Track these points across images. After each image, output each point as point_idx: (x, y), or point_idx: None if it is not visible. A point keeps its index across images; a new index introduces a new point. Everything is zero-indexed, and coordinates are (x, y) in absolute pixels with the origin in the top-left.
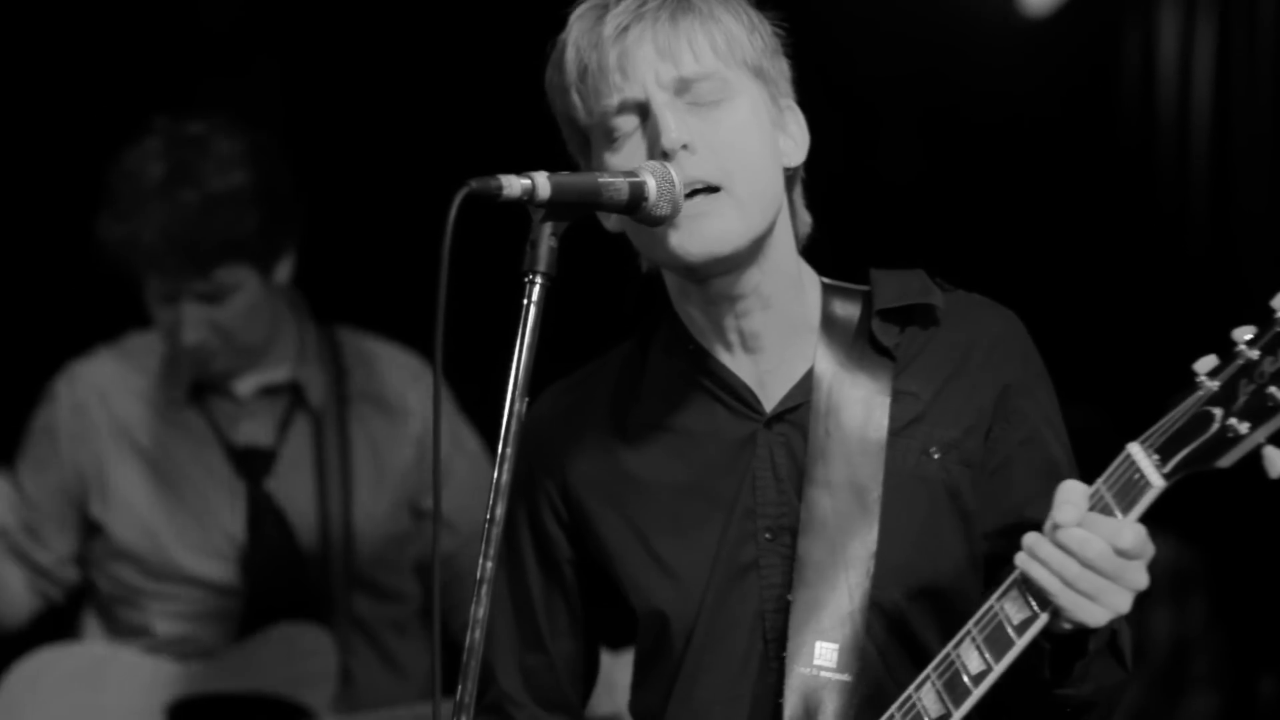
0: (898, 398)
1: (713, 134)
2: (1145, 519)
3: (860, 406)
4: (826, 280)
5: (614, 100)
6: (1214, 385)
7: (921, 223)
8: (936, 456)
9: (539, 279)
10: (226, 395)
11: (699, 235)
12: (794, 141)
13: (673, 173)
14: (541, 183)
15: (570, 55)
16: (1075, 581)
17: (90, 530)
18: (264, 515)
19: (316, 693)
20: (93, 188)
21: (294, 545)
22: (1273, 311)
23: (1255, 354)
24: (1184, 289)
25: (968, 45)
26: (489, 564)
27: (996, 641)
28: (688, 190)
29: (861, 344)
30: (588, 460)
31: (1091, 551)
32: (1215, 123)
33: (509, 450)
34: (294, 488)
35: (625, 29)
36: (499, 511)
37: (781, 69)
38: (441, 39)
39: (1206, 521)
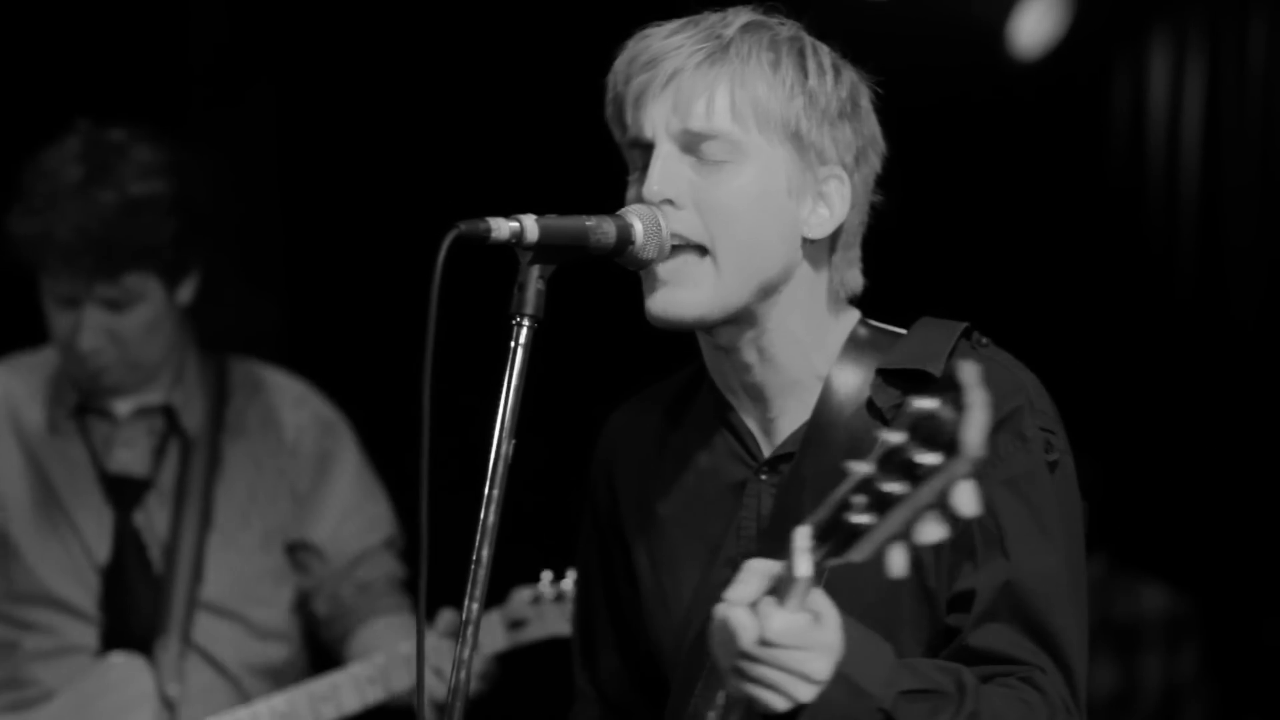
0: None
1: (707, 194)
2: (1142, 567)
3: (845, 460)
4: (866, 323)
5: (629, 134)
6: (864, 469)
7: (908, 262)
8: None
9: (526, 321)
10: (105, 416)
11: (667, 299)
12: (826, 213)
13: (660, 219)
14: (529, 225)
15: (612, 74)
16: (740, 666)
17: None
18: (128, 547)
19: (134, 718)
20: None
21: (151, 578)
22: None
23: (901, 438)
24: (1173, 331)
25: (958, 86)
26: (475, 605)
27: (729, 713)
28: (673, 242)
29: (860, 401)
30: (629, 481)
31: (745, 639)
32: (1205, 165)
33: (495, 493)
34: (159, 518)
35: (655, 64)
36: (485, 554)
37: (840, 136)
38: (435, 76)
39: (1200, 570)
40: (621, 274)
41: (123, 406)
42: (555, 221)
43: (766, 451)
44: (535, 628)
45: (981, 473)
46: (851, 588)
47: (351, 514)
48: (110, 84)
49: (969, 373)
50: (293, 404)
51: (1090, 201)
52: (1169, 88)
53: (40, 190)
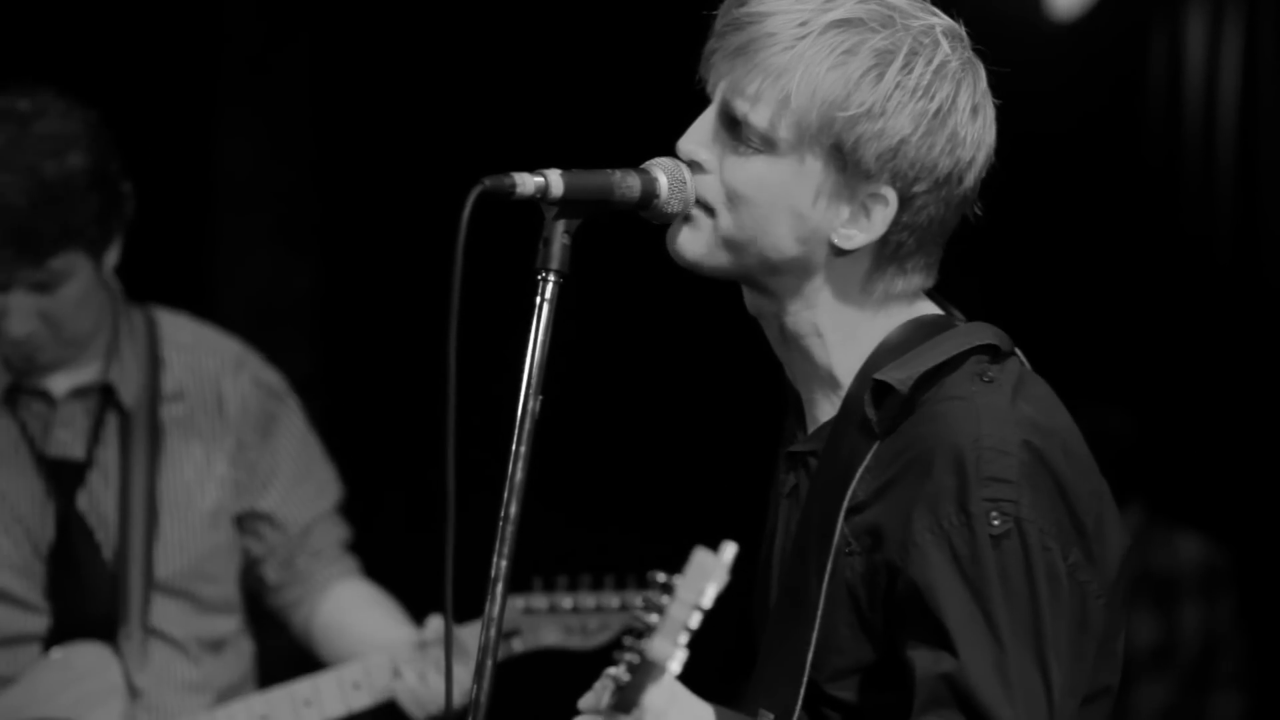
0: (863, 477)
1: (730, 170)
2: (1178, 518)
3: (840, 475)
4: (918, 320)
5: (700, 75)
6: (640, 621)
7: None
8: (847, 554)
9: (552, 276)
10: (40, 396)
11: (676, 232)
12: (863, 226)
13: (685, 172)
14: (555, 180)
15: (721, 8)
16: None
17: None
18: (73, 532)
19: (103, 712)
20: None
21: (101, 563)
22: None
23: (654, 609)
24: (1209, 298)
25: (991, 51)
26: (504, 562)
27: None
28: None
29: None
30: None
31: None
32: (1241, 131)
33: (523, 449)
34: (104, 499)
35: (739, 27)
36: (514, 510)
37: (903, 157)
38: (465, 33)
39: (1237, 521)
40: (648, 230)
41: (59, 385)
42: (580, 176)
43: (810, 428)
44: (527, 638)
45: (921, 541)
46: (829, 605)
47: (302, 480)
48: (143, 48)
49: (697, 560)
50: (232, 368)
51: (1126, 164)
52: (1206, 51)
53: None
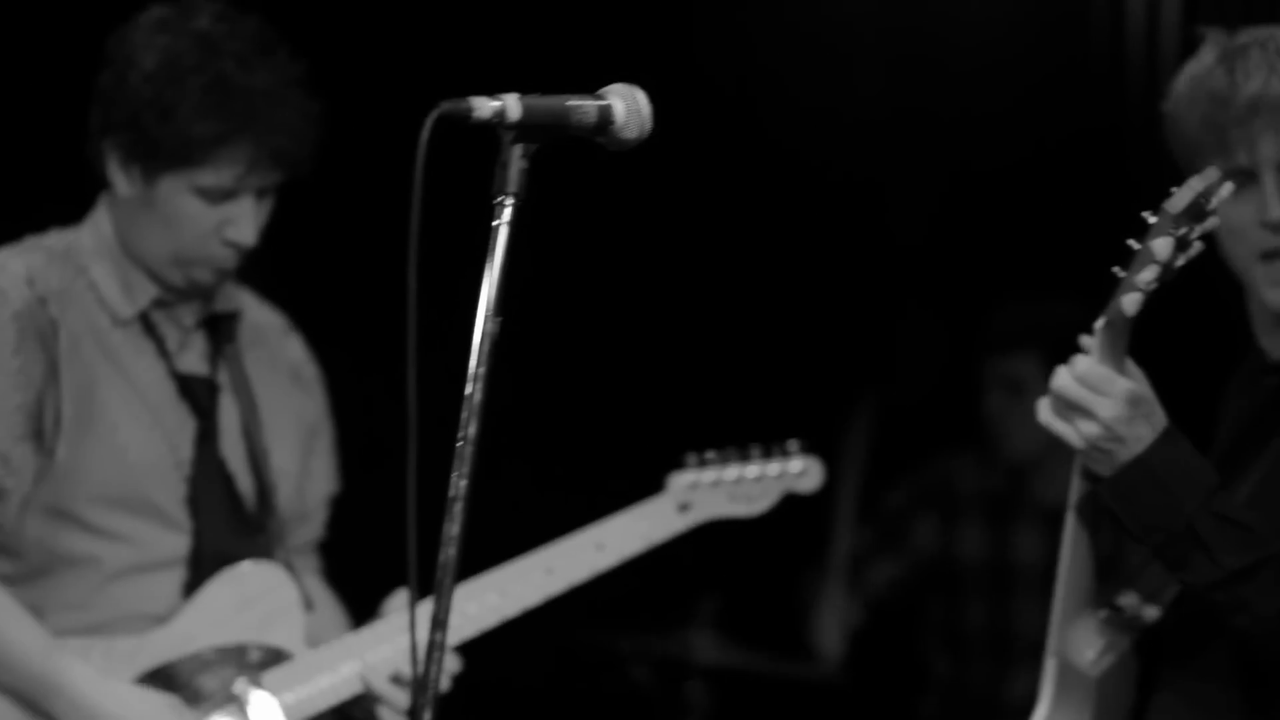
0: None
1: None
2: None
3: None
4: None
5: (1233, 162)
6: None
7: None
8: None
9: (509, 200)
10: (171, 318)
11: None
12: None
13: (639, 98)
14: (512, 104)
15: (1195, 104)
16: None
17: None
18: (209, 451)
19: (285, 630)
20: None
21: (232, 483)
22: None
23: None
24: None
25: (932, 33)
26: (464, 482)
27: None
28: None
29: None
30: None
31: (1057, 380)
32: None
33: (482, 370)
34: (230, 423)
35: (1259, 103)
36: (473, 430)
37: None
38: None
39: None
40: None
41: (189, 315)
42: (538, 100)
43: None
44: (699, 511)
45: None
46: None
47: (327, 458)
48: None
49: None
50: (288, 333)
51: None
52: (1146, 24)
53: (226, 95)
